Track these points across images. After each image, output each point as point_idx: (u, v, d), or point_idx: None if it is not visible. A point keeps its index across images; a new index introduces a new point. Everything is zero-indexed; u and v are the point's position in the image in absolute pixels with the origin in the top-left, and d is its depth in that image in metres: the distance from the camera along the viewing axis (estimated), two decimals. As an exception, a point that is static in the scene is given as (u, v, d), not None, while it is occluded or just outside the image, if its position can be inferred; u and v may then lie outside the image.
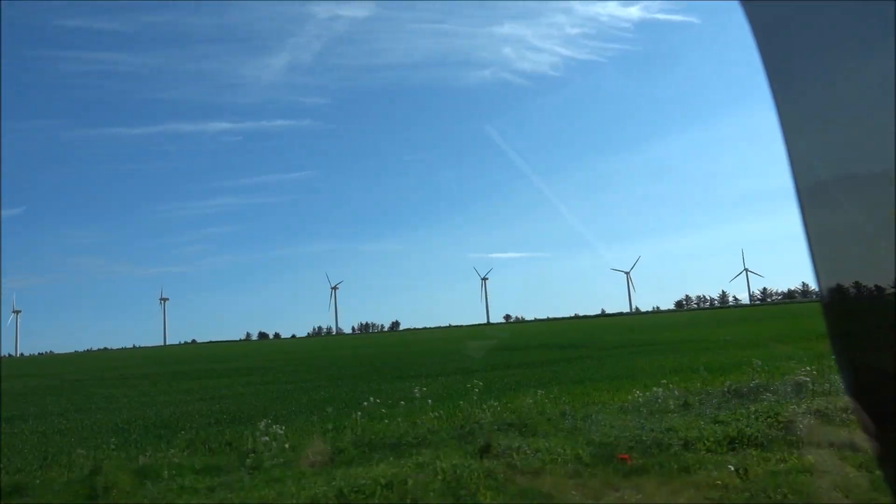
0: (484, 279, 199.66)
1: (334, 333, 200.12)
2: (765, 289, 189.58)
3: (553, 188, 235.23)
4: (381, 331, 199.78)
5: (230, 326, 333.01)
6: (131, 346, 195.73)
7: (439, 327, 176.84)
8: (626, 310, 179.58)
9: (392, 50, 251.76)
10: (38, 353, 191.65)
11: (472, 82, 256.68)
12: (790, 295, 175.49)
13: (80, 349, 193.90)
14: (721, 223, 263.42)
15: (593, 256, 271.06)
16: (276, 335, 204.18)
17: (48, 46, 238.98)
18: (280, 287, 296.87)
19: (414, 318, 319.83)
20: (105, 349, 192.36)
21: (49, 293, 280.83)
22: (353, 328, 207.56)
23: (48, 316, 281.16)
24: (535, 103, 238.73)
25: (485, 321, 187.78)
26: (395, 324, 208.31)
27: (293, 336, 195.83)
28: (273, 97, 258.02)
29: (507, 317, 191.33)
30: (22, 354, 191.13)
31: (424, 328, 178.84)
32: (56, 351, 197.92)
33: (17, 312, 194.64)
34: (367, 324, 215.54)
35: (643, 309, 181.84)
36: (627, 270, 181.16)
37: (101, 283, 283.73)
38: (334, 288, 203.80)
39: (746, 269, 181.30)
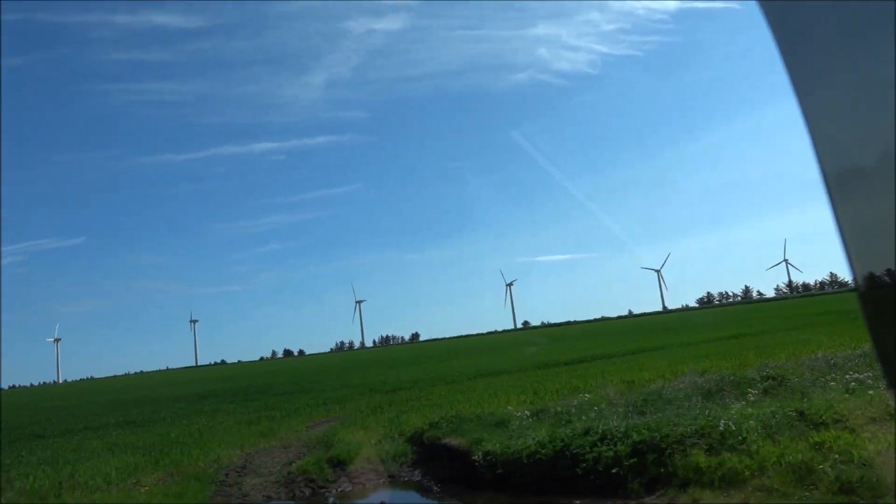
0: (509, 285, 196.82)
1: (356, 348, 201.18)
2: (790, 281, 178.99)
3: (593, 188, 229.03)
4: (402, 343, 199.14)
5: (268, 343, 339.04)
6: (165, 367, 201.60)
7: (459, 336, 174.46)
8: (657, 309, 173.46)
9: (428, 59, 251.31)
10: (79, 379, 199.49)
11: (509, 86, 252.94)
12: (821, 286, 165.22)
13: (120, 373, 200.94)
14: (748, 218, 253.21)
15: (627, 256, 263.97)
16: (301, 352, 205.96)
17: (100, 81, 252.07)
18: (331, 300, 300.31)
19: (449, 327, 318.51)
20: (141, 372, 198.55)
21: (107, 318, 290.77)
22: (373, 342, 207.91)
23: (101, 340, 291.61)
24: (573, 102, 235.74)
25: (511, 327, 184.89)
26: (415, 335, 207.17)
27: (310, 353, 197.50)
28: (314, 114, 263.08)
29: (526, 323, 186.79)
30: (65, 381, 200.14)
31: (444, 338, 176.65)
32: (96, 376, 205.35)
33: (56, 341, 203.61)
34: (387, 336, 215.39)
35: (671, 307, 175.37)
36: (658, 268, 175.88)
37: (157, 305, 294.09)
38: (359, 302, 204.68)
39: (787, 261, 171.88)
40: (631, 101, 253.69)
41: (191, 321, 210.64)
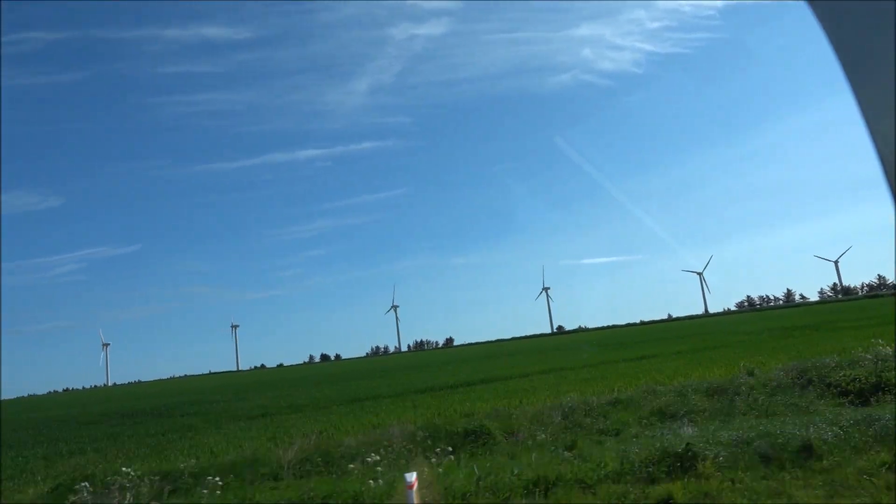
0: (546, 289, 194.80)
1: (391, 352, 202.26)
2: (835, 284, 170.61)
3: (638, 189, 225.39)
4: (436, 347, 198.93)
5: (308, 347, 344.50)
6: (207, 371, 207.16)
7: (492, 341, 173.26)
8: (699, 312, 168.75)
9: (469, 63, 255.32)
10: (128, 383, 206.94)
11: (552, 88, 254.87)
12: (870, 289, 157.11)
13: (165, 377, 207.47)
14: (795, 220, 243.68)
15: (672, 258, 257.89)
16: (337, 356, 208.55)
17: (153, 93, 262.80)
18: (372, 304, 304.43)
19: (487, 331, 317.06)
20: (186, 376, 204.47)
21: (160, 322, 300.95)
22: (408, 346, 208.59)
23: (153, 345, 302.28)
24: (618, 102, 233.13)
25: (548, 332, 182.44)
26: (449, 340, 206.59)
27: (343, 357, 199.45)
28: (358, 121, 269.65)
29: (560, 327, 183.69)
30: (115, 384, 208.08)
31: (477, 343, 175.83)
32: (143, 379, 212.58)
33: (106, 346, 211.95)
34: (421, 341, 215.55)
35: (713, 311, 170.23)
36: (700, 271, 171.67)
37: (207, 309, 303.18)
38: (395, 307, 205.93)
39: (836, 262, 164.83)
40: (676, 101, 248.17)
41: (232, 326, 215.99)
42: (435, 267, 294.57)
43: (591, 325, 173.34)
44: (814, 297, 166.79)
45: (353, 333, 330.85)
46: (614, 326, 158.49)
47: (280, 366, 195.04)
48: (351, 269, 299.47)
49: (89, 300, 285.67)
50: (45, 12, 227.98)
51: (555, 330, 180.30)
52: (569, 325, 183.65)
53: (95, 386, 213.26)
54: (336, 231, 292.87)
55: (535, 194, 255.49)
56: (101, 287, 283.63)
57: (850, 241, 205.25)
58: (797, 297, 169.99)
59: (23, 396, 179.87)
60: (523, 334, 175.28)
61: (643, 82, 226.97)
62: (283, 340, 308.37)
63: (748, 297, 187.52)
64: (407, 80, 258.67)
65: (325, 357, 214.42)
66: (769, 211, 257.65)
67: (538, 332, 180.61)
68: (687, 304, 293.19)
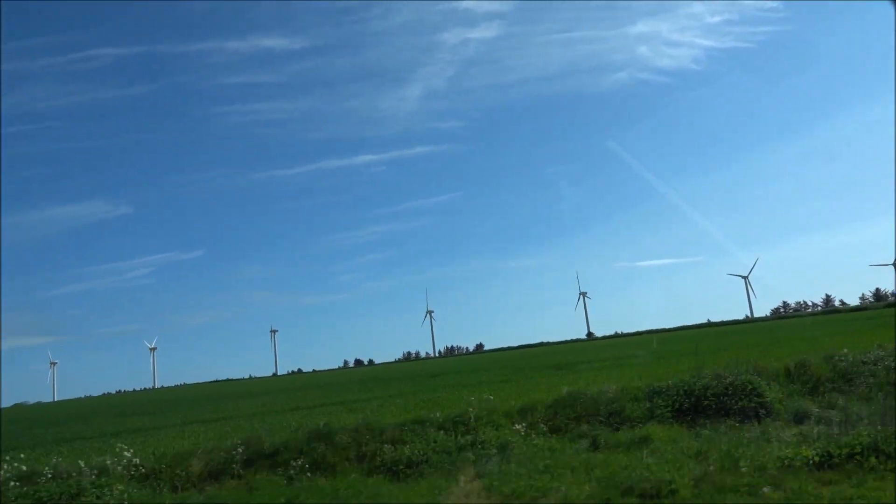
0: (583, 293, 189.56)
1: (422, 357, 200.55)
2: (877, 289, 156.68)
3: (696, 190, 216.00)
4: (466, 353, 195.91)
5: (345, 352, 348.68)
6: (247, 376, 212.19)
7: (521, 346, 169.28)
8: (744, 317, 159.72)
9: (523, 66, 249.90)
10: (174, 385, 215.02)
11: (608, 87, 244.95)
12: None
13: (209, 380, 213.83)
14: (856, 220, 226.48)
15: (727, 261, 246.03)
16: (370, 362, 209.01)
17: (216, 104, 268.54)
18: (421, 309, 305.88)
19: (523, 335, 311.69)
20: (229, 380, 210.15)
21: (219, 326, 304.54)
22: (438, 352, 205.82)
23: (210, 348, 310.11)
24: (676, 100, 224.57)
25: (583, 337, 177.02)
26: (480, 345, 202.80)
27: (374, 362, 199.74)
28: (411, 126, 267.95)
29: (590, 334, 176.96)
30: (162, 386, 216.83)
31: (507, 348, 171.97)
32: (188, 382, 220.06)
33: (153, 349, 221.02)
34: (452, 347, 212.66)
35: (759, 315, 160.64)
36: (745, 275, 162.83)
37: (267, 314, 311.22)
38: (429, 312, 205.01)
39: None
40: (736, 97, 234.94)
41: (271, 331, 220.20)
42: (487, 270, 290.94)
43: (629, 329, 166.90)
44: (854, 302, 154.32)
45: (392, 338, 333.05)
46: (651, 331, 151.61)
47: (314, 371, 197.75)
48: (403, 274, 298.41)
49: (157, 304, 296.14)
50: (113, 30, 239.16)
51: (586, 335, 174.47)
52: (608, 331, 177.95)
53: (145, 388, 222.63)
54: (391, 236, 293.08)
55: (587, 196, 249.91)
56: (169, 292, 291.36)
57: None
58: (837, 303, 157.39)
59: (79, 397, 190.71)
60: (558, 339, 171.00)
61: (702, 79, 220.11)
62: (326, 344, 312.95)
63: (784, 302, 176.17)
64: (460, 85, 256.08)
65: (358, 362, 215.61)
66: (826, 212, 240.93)
67: (573, 337, 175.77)
68: (731, 309, 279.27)
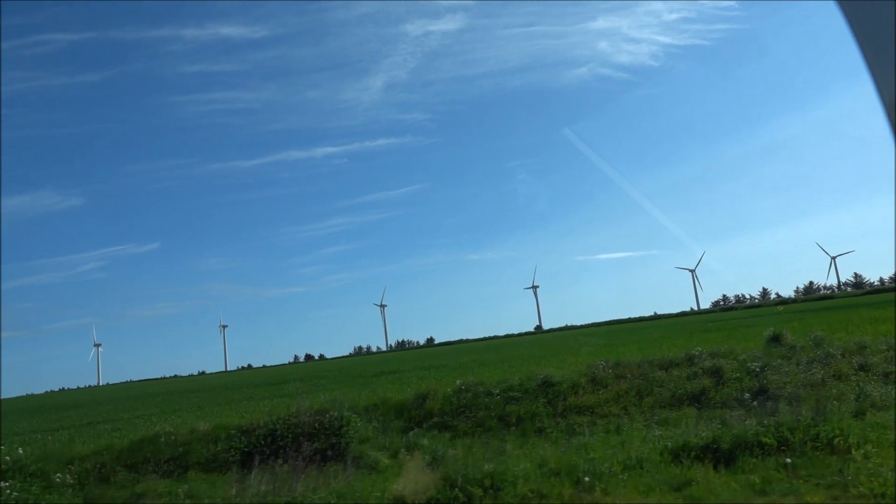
0: (535, 287, 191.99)
1: (374, 351, 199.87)
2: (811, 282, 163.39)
3: (654, 184, 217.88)
4: (417, 346, 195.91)
5: (313, 346, 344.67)
6: (198, 372, 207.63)
7: (467, 340, 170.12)
8: (688, 310, 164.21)
9: (485, 59, 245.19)
10: (119, 383, 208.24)
11: (569, 82, 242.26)
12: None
13: (157, 376, 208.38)
14: (806, 216, 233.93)
15: (686, 255, 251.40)
16: (321, 356, 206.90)
17: (172, 93, 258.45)
18: (390, 300, 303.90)
19: (478, 329, 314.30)
20: (176, 376, 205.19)
21: (175, 320, 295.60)
22: (389, 346, 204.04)
23: (164, 343, 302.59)
24: (634, 96, 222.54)
25: (531, 330, 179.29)
26: (430, 339, 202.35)
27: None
28: (374, 117, 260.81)
29: (538, 327, 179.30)
30: (108, 383, 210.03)
31: (459, 341, 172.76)
32: (135, 379, 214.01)
33: (97, 346, 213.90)
34: (403, 341, 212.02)
35: (704, 308, 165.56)
36: (693, 268, 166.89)
37: (228, 308, 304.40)
38: (382, 306, 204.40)
39: (833, 259, 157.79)
40: (693, 94, 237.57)
41: (221, 326, 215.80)
42: (449, 264, 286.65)
43: (580, 322, 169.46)
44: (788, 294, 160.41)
45: (348, 332, 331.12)
46: (599, 323, 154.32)
47: (263, 366, 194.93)
48: (365, 267, 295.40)
49: (110, 298, 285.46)
50: (64, 14, 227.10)
51: (533, 329, 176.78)
52: (562, 323, 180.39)
53: (89, 386, 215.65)
54: (351, 229, 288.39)
55: (548, 190, 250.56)
56: (122, 285, 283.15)
57: (860, 239, 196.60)
58: (773, 296, 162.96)
59: (21, 396, 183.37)
60: (506, 333, 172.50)
61: (660, 75, 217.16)
62: (284, 338, 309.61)
63: (724, 295, 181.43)
64: (422, 77, 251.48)
65: (309, 357, 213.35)
66: (779, 207, 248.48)
67: (526, 330, 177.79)
68: (683, 301, 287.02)
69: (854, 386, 12.55)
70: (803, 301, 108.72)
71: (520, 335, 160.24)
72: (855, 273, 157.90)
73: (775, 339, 16.62)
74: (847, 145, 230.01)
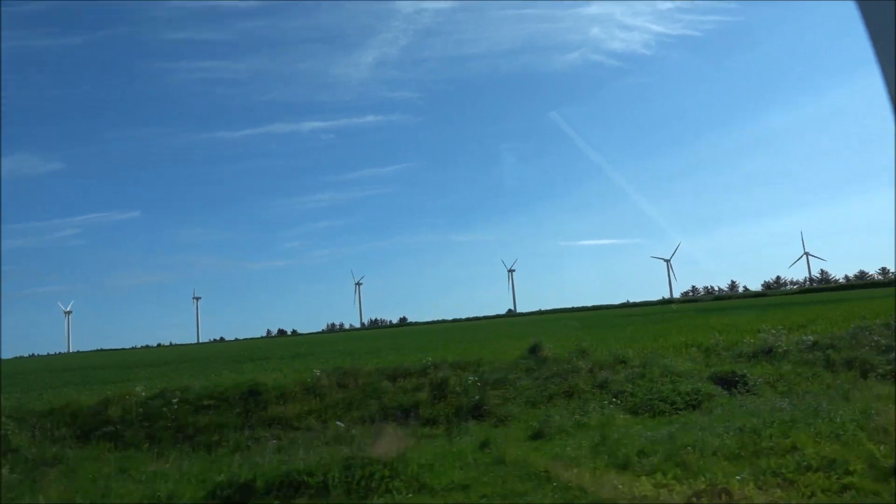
0: (511, 270, 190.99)
1: (346, 329, 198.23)
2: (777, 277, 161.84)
3: (641, 172, 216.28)
4: (390, 325, 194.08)
5: (282, 320, 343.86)
6: (169, 343, 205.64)
7: (441, 321, 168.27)
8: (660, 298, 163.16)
9: (477, 39, 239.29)
10: (90, 351, 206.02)
11: (560, 66, 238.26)
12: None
13: (128, 346, 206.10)
14: (788, 210, 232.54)
15: (668, 244, 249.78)
16: (294, 332, 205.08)
17: (157, 59, 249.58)
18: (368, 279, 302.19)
19: (452, 310, 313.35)
20: (146, 346, 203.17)
21: (155, 290, 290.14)
22: (362, 324, 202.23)
23: (142, 313, 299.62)
24: (625, 84, 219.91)
25: (503, 313, 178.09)
26: (403, 319, 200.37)
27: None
28: (363, 93, 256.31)
29: (510, 311, 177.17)
30: (78, 351, 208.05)
31: (431, 321, 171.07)
32: (106, 348, 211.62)
33: (68, 313, 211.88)
34: (376, 319, 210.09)
35: (677, 297, 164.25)
36: (668, 258, 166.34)
37: (210, 279, 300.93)
38: (358, 283, 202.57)
39: (807, 253, 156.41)
40: (683, 84, 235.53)
41: (194, 298, 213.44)
42: (434, 244, 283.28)
43: (548, 307, 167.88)
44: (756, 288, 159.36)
45: (325, 308, 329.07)
46: (564, 310, 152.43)
47: (236, 339, 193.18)
48: (351, 244, 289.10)
49: (87, 266, 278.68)
50: None
51: (506, 312, 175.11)
52: (536, 307, 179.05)
53: (59, 353, 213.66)
54: (338, 205, 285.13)
55: (536, 174, 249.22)
56: (100, 253, 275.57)
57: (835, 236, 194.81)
58: (741, 289, 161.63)
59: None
60: (482, 315, 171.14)
61: (651, 64, 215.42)
62: (261, 312, 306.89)
63: (693, 286, 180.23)
64: (413, 55, 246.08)
65: (282, 332, 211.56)
66: (762, 199, 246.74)
67: (500, 312, 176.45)
68: (654, 290, 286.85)
69: (580, 404, 9.97)
70: (740, 297, 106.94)
71: (492, 318, 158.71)
72: (821, 269, 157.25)
73: (533, 350, 14.07)
74: (832, 143, 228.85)
